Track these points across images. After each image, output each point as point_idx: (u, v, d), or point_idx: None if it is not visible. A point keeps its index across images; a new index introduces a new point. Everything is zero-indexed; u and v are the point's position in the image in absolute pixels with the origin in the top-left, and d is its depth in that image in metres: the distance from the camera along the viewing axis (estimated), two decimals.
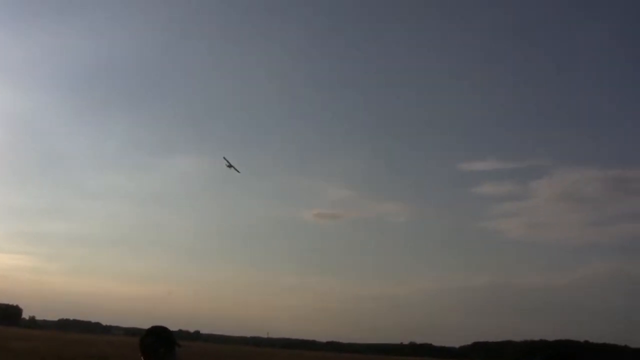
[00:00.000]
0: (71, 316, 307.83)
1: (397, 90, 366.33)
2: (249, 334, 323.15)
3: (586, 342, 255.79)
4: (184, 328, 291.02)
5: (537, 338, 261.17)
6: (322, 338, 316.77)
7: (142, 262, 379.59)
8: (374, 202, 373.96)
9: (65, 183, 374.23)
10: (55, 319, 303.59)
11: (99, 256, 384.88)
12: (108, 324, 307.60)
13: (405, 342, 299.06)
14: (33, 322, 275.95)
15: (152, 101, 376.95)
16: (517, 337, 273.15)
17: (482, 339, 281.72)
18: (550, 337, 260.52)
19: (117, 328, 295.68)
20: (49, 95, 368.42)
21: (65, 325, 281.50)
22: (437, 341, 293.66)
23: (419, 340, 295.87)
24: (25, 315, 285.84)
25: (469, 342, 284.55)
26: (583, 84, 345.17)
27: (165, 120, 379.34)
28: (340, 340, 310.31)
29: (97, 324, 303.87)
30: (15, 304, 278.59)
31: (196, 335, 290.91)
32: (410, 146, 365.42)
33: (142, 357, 7.87)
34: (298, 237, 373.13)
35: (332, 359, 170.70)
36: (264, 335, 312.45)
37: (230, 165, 77.09)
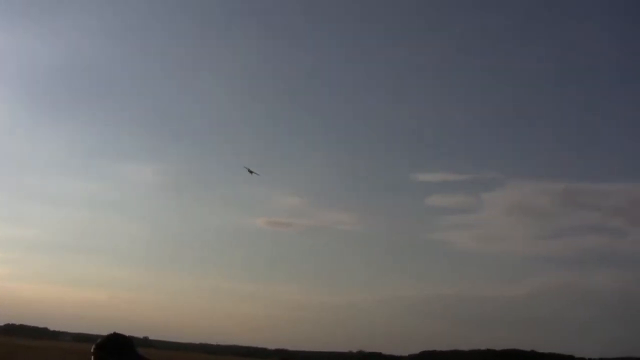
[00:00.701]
0: (17, 321, 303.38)
1: (349, 100, 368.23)
2: (197, 340, 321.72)
3: (532, 351, 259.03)
4: (132, 334, 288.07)
5: (484, 347, 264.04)
6: (271, 345, 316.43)
7: (93, 268, 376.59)
8: (325, 211, 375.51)
9: (16, 187, 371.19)
10: (2, 323, 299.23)
11: (48, 261, 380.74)
12: (56, 329, 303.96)
13: (354, 350, 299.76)
14: None
15: (107, 107, 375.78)
16: (465, 347, 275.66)
17: (430, 348, 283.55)
18: (498, 346, 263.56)
19: (65, 334, 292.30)
20: (3, 98, 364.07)
21: (12, 331, 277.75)
22: (386, 350, 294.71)
23: (367, 348, 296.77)
24: None
25: (418, 350, 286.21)
26: (533, 96, 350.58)
27: (119, 127, 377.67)
28: (289, 348, 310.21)
29: (45, 330, 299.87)
30: None
31: (145, 341, 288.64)
32: (363, 155, 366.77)
33: None
34: (249, 244, 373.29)
35: None
36: (213, 342, 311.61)
37: (251, 172, 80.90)
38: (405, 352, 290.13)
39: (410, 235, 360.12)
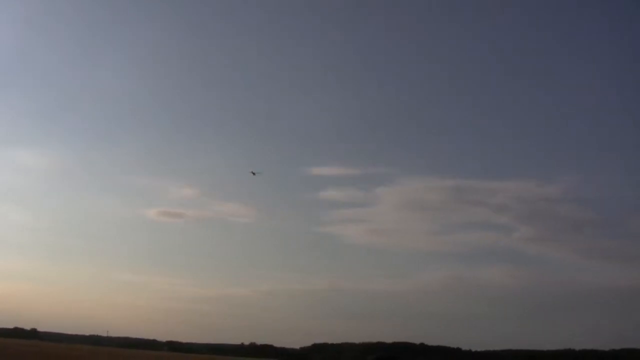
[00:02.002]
0: None
1: (246, 93, 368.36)
2: (88, 332, 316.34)
3: (422, 344, 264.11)
4: (19, 325, 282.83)
5: (375, 340, 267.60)
6: (163, 337, 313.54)
7: None
8: (218, 202, 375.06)
9: None
10: None
11: None
12: None
13: (246, 342, 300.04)
14: None
15: None
16: (356, 339, 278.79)
17: (322, 341, 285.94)
18: (388, 339, 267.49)
19: None
20: None
21: None
22: (278, 342, 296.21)
23: (259, 341, 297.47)
24: None
25: (309, 343, 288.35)
26: (426, 95, 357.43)
27: (8, 113, 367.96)
28: (181, 340, 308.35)
29: None
30: None
31: (33, 333, 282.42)
32: (258, 147, 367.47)
33: None
34: (141, 235, 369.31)
35: (173, 358, 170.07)
36: (104, 334, 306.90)
37: (254, 173, 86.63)
38: (297, 345, 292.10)
39: (304, 229, 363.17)
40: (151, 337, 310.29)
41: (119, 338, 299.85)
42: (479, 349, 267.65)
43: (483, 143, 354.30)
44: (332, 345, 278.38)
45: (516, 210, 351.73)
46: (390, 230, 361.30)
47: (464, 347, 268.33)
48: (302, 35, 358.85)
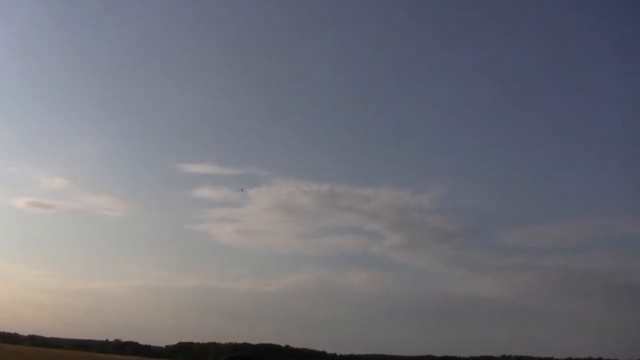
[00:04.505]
0: None
1: (121, 86, 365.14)
2: None
3: (287, 346, 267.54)
4: None
5: (241, 341, 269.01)
6: (24, 331, 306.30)
7: None
8: (89, 195, 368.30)
9: None
10: None
11: None
12: None
13: (111, 339, 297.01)
14: None
15: None
16: (222, 340, 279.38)
17: (187, 340, 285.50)
18: (254, 340, 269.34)
19: None
20: None
21: None
22: (143, 339, 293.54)
23: (124, 337, 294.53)
24: None
25: (175, 342, 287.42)
26: (304, 97, 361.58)
27: None
28: (43, 335, 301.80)
29: None
30: None
31: None
32: (132, 141, 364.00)
33: None
34: (7, 225, 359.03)
35: (35, 353, 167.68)
36: None
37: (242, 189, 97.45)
38: (162, 343, 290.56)
39: (174, 225, 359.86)
40: (13, 331, 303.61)
41: None
42: (343, 353, 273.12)
43: (360, 150, 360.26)
44: (198, 344, 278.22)
45: (388, 217, 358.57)
46: (261, 232, 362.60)
47: (329, 351, 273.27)
48: (177, 28, 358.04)
